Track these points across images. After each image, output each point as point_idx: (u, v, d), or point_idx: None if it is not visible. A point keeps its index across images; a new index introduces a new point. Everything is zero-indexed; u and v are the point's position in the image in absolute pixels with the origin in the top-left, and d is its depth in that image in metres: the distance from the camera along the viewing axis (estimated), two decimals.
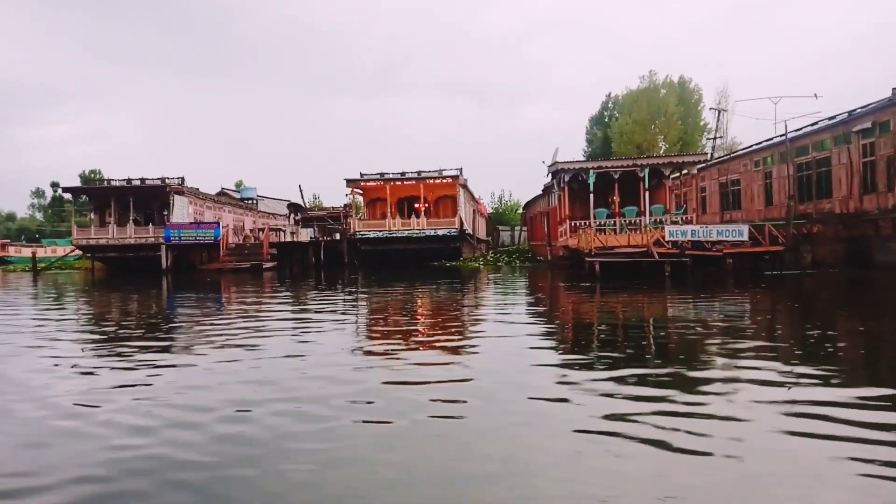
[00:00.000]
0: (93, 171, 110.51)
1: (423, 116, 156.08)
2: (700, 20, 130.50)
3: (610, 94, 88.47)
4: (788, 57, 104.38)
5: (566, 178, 22.18)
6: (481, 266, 30.73)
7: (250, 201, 50.32)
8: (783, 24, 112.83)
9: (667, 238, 18.30)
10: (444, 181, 35.86)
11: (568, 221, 22.13)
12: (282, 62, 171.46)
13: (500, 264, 31.13)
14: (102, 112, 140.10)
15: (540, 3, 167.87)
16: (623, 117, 68.60)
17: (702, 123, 65.19)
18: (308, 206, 75.08)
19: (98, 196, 36.43)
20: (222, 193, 50.33)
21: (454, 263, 32.93)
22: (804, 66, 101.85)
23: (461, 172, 36.13)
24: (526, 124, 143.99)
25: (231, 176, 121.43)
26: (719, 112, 39.70)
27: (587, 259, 18.37)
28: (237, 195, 51.70)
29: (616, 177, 21.72)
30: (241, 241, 40.00)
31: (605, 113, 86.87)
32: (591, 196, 20.78)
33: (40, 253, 58.03)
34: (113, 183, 35.88)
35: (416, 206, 40.54)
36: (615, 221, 22.00)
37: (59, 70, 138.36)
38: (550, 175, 24.47)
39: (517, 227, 60.93)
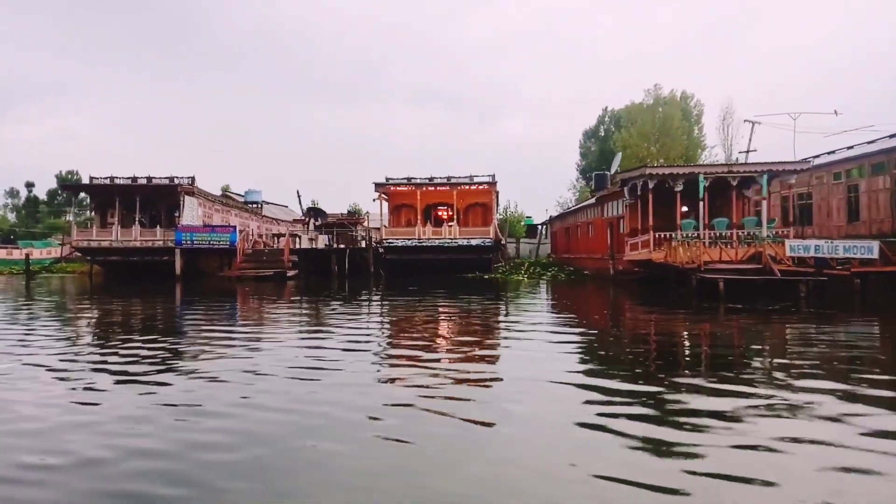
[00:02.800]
0: (69, 172, 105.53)
1: (396, 125, 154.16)
2: (677, 37, 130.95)
3: (606, 108, 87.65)
4: (760, 77, 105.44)
5: (650, 185, 20.11)
6: (525, 279, 28.48)
7: (255, 205, 47.38)
8: (757, 45, 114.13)
9: (787, 254, 16.32)
10: (479, 188, 33.63)
11: (651, 233, 20.01)
12: (257, 66, 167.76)
13: (544, 278, 28.88)
14: (73, 112, 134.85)
15: (513, 18, 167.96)
16: (626, 130, 67.65)
17: (701, 140, 64.44)
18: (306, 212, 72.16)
19: (101, 194, 33.28)
20: (226, 196, 47.30)
21: (493, 276, 30.62)
22: (775, 87, 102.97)
23: (494, 178, 33.92)
24: (500, 135, 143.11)
25: (212, 180, 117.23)
26: (753, 125, 38.08)
27: (700, 275, 16.24)
28: (240, 198, 48.64)
29: (707, 185, 19.73)
30: (250, 247, 37.14)
31: (602, 127, 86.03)
32: (702, 204, 18.64)
33: (16, 255, 54.04)
34: (117, 181, 32.75)
35: (440, 213, 38.15)
36: (700, 234, 19.97)
37: (28, 68, 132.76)
38: (620, 182, 22.39)
39: (522, 240, 59.57)
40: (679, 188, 19.87)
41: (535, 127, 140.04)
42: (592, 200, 27.78)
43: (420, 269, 32.70)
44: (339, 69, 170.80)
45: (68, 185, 32.15)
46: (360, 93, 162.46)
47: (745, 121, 46.36)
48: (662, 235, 20.01)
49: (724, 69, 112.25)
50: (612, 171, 26.97)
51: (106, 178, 32.63)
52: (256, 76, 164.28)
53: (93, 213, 34.48)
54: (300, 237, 36.78)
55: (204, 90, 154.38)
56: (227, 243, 31.38)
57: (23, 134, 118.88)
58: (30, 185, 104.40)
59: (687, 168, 20.01)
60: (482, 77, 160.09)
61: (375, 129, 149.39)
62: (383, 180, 33.70)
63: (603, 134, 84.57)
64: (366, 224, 49.56)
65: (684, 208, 22.48)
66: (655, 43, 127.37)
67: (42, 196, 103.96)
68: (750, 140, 42.95)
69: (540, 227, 60.90)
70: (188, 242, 30.93)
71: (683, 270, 17.20)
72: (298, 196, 70.53)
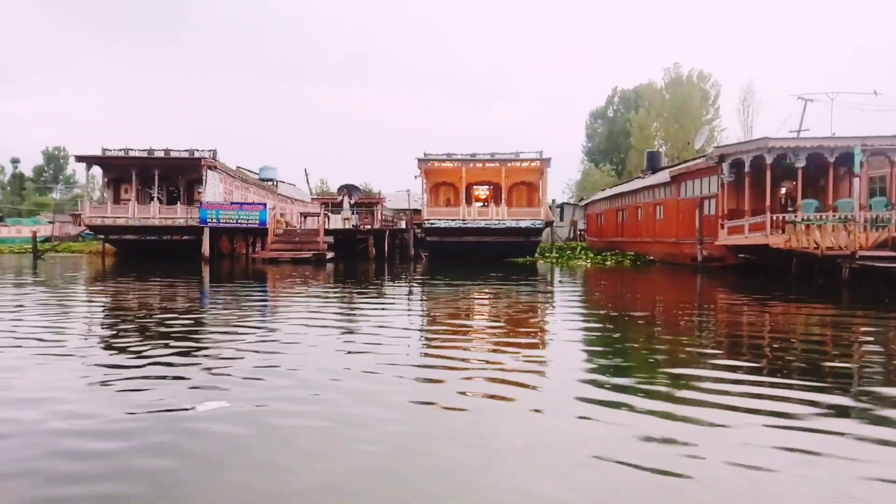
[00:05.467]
0: (56, 148, 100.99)
1: (393, 107, 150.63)
2: (676, 24, 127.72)
3: (616, 87, 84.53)
4: (764, 60, 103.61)
5: (768, 160, 17.73)
6: (589, 264, 26.13)
7: (271, 182, 44.39)
8: (759, 29, 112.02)
9: None
10: (529, 165, 30.96)
11: (769, 214, 17.67)
12: (250, 48, 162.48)
13: (608, 263, 26.52)
14: (57, 90, 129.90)
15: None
16: (644, 110, 65.02)
17: (714, 122, 62.03)
18: (316, 191, 68.74)
19: (116, 168, 30.22)
20: (242, 172, 44.21)
21: (550, 261, 28.25)
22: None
23: (542, 154, 31.16)
24: (494, 118, 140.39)
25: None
26: (805, 102, 35.75)
27: (858, 264, 13.98)
28: (255, 175, 45.57)
29: (832, 160, 17.42)
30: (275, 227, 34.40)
31: (611, 107, 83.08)
32: (858, 181, 16.25)
33: (4, 233, 50.60)
34: (132, 153, 29.68)
35: (477, 193, 35.56)
36: (821, 216, 17.69)
37: (9, 46, 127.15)
38: (719, 157, 19.97)
39: None
40: (801, 163, 17.53)
41: (533, 111, 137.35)
42: (665, 177, 25.30)
43: (463, 252, 30.18)
44: (335, 52, 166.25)
45: (83, 157, 29.04)
46: (355, 75, 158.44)
47: (798, 98, 43.76)
48: (777, 217, 17.72)
49: (723, 55, 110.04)
50: (698, 146, 24.58)
51: (120, 150, 29.56)
52: (244, 56, 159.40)
53: (105, 188, 31.42)
54: (329, 216, 34.05)
55: (191, 68, 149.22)
56: (257, 222, 28.60)
57: (5, 109, 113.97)
58: (15, 162, 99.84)
59: (814, 140, 17.58)
60: (482, 62, 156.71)
61: (371, 110, 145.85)
62: (422, 156, 30.81)
63: (612, 114, 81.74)
64: (385, 204, 46.93)
65: (783, 188, 20.25)
66: (655, 29, 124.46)
67: (28, 173, 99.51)
68: (801, 119, 40.18)
69: (559, 209, 58.36)
70: (214, 220, 28.08)
71: (826, 258, 14.92)
72: (306, 174, 67.26)
